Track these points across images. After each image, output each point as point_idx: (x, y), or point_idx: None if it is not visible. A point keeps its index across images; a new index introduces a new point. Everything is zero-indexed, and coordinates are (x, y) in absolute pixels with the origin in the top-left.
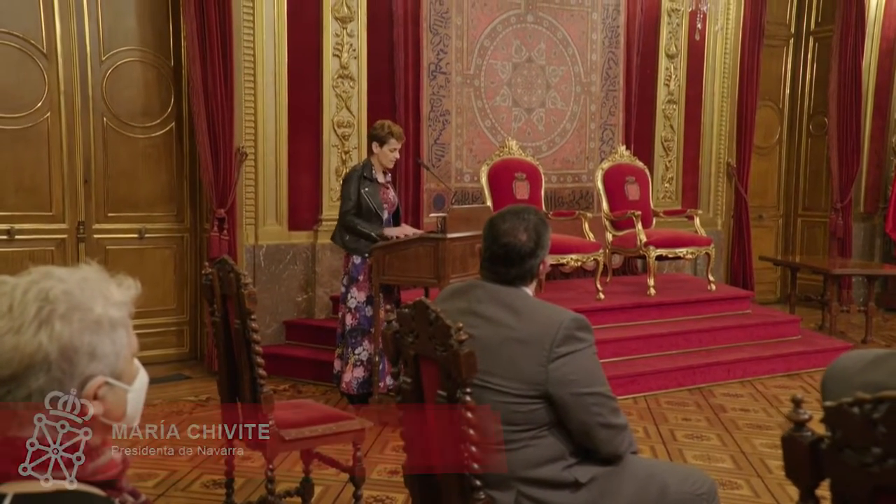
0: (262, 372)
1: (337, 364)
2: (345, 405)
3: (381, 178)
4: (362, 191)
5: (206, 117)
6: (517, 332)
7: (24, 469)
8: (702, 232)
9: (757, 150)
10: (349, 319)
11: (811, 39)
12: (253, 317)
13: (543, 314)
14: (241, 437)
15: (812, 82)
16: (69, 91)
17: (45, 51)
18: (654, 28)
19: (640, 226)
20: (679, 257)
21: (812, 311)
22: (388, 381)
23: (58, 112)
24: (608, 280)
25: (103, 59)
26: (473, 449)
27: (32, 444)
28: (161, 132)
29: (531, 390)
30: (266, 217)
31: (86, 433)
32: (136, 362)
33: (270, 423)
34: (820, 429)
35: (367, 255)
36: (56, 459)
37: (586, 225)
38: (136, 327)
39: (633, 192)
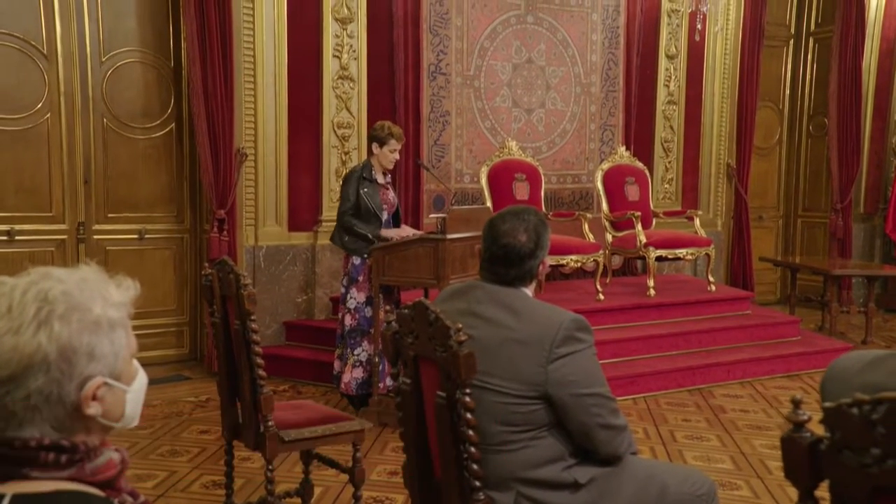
0: (261, 373)
1: (337, 365)
2: (345, 406)
3: (380, 179)
4: (361, 191)
5: (206, 118)
6: (517, 332)
7: (23, 469)
8: (702, 233)
9: (757, 151)
10: (348, 320)
11: (811, 40)
12: (253, 317)
13: (543, 315)
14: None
15: (812, 83)
16: (69, 92)
17: (45, 52)
18: (654, 29)
19: (639, 226)
20: (679, 258)
21: (812, 311)
22: (388, 381)
23: (58, 113)
24: (608, 281)
25: (103, 59)
26: (473, 449)
27: (31, 445)
28: (161, 133)
29: (531, 391)
30: (266, 218)
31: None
32: (135, 363)
33: (270, 423)
34: (820, 430)
35: (366, 255)
36: (55, 460)
37: (586, 226)
38: (135, 328)
39: (632, 192)
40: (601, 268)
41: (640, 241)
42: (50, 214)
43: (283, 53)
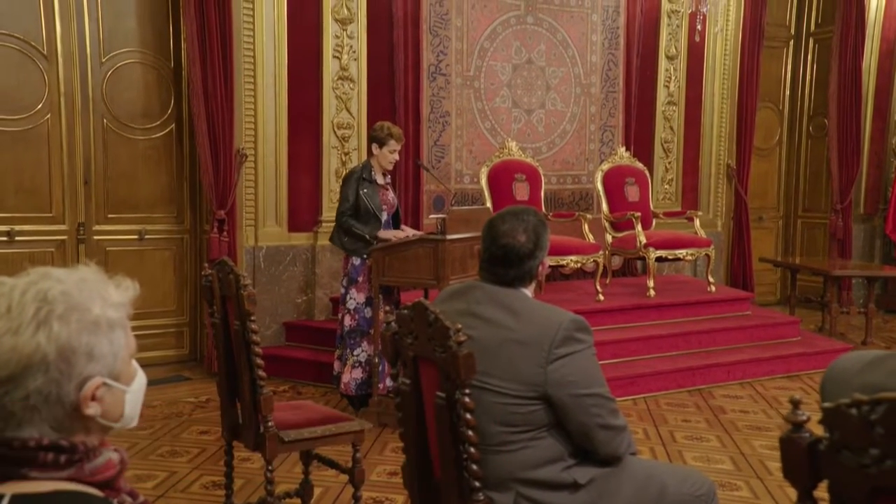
0: (261, 373)
1: (336, 365)
2: (344, 406)
3: (380, 180)
4: (361, 192)
5: (206, 119)
6: (516, 333)
7: (23, 469)
8: (701, 233)
9: (757, 152)
10: (348, 320)
11: (811, 41)
12: (252, 318)
13: (542, 315)
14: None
15: (812, 84)
16: (69, 92)
17: (45, 52)
18: (654, 29)
19: (639, 227)
20: (679, 259)
21: (812, 312)
22: (388, 382)
23: (58, 113)
24: (608, 281)
25: (103, 60)
26: (472, 450)
27: (30, 445)
28: (161, 133)
29: (530, 391)
30: (266, 218)
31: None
32: (134, 363)
33: (270, 424)
34: (819, 430)
35: (366, 256)
36: (54, 460)
37: (586, 226)
38: (135, 329)
39: (632, 193)
40: (601, 268)
41: (640, 242)
42: (50, 215)
43: (283, 54)
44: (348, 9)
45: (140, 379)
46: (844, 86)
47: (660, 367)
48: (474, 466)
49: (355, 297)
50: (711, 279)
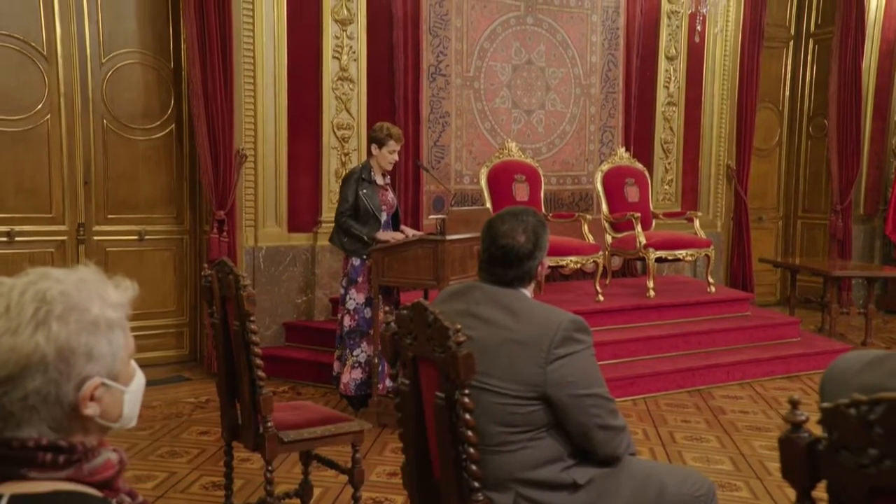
0: (261, 373)
1: (336, 366)
2: (344, 407)
3: (379, 180)
4: (360, 192)
5: (206, 119)
6: (515, 333)
7: (21, 470)
8: (701, 234)
9: (757, 152)
10: (347, 321)
11: (811, 41)
12: (252, 318)
13: (541, 316)
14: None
15: (812, 84)
16: (69, 93)
17: (45, 53)
18: (654, 30)
19: (639, 228)
20: (678, 259)
21: (812, 313)
22: (388, 382)
23: (58, 114)
24: (607, 282)
25: (103, 61)
26: (472, 450)
27: (29, 445)
28: (161, 134)
29: (529, 392)
30: (265, 219)
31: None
32: (133, 364)
33: (269, 424)
34: (818, 430)
35: (365, 256)
36: (53, 460)
37: (586, 227)
38: (135, 329)
39: (632, 194)
40: (601, 269)
41: (640, 243)
42: (50, 215)
43: (282, 55)
44: (348, 9)
45: (139, 379)
46: (844, 86)
47: (659, 368)
48: (474, 467)
49: (355, 298)
50: (711, 280)
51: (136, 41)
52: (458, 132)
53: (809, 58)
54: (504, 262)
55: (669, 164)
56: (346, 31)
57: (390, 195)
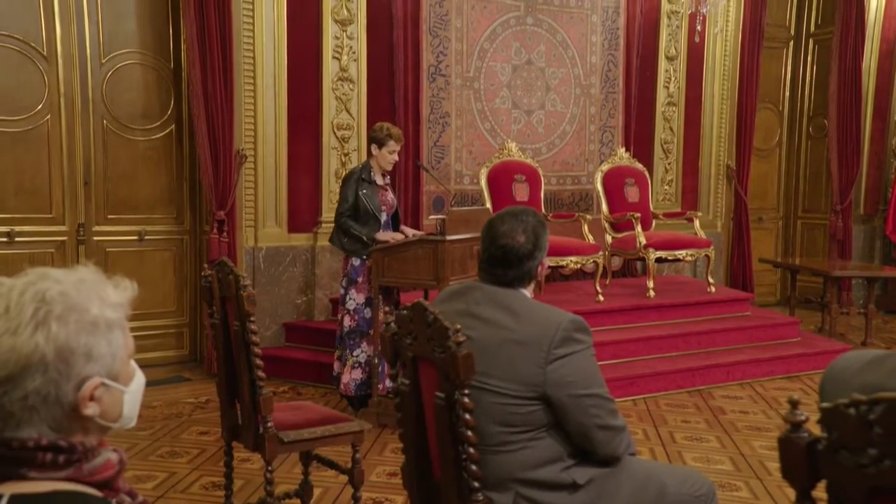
0: (261, 374)
1: (336, 366)
2: (344, 407)
3: (379, 181)
4: (360, 193)
5: (206, 120)
6: (515, 333)
7: (21, 470)
8: (701, 234)
9: (757, 153)
10: (347, 321)
11: (811, 41)
12: (252, 319)
13: (541, 316)
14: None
15: (812, 84)
16: (69, 93)
17: (45, 53)
18: (654, 30)
19: (639, 228)
20: (678, 259)
21: (812, 313)
22: (388, 383)
23: (58, 114)
24: (607, 282)
25: (103, 61)
26: (471, 450)
27: (29, 445)
28: (161, 134)
29: (529, 392)
30: (266, 219)
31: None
32: (133, 364)
33: (269, 424)
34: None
35: (365, 257)
36: (52, 460)
37: (586, 227)
38: (135, 329)
39: (632, 194)
40: (601, 269)
41: (640, 243)
42: (50, 216)
43: (282, 55)
44: (348, 10)
45: (138, 379)
46: (844, 86)
47: (659, 368)
48: (473, 467)
49: (355, 298)
50: (711, 280)
51: (136, 41)
52: (458, 132)
53: (809, 58)
54: (504, 262)
55: (669, 164)
56: (346, 31)
57: (390, 195)
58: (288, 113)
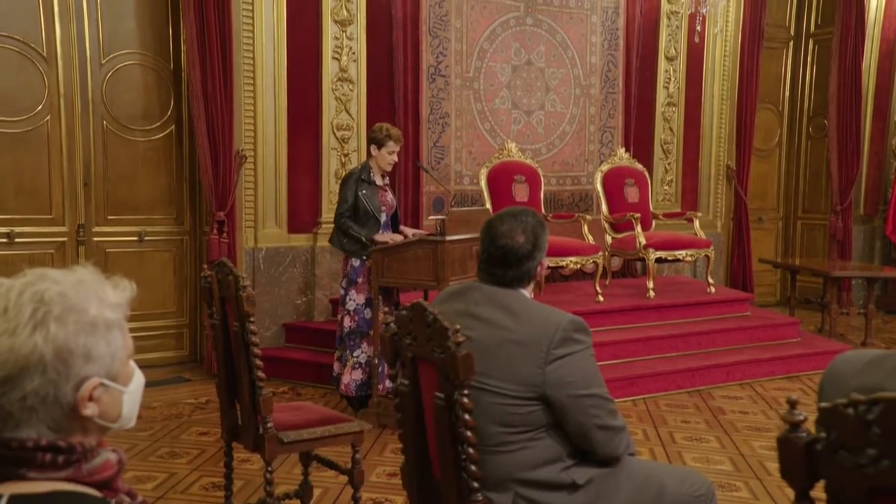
0: (260, 374)
1: (336, 366)
2: (344, 407)
3: (378, 181)
4: (360, 193)
5: (206, 120)
6: (514, 333)
7: (20, 470)
8: (701, 234)
9: (756, 153)
10: (347, 322)
11: (811, 41)
12: (251, 319)
13: (541, 316)
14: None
15: (812, 84)
16: (69, 94)
17: (44, 54)
18: (654, 30)
19: (639, 228)
20: (678, 260)
21: (812, 313)
22: (388, 383)
23: (58, 115)
24: (607, 282)
25: (103, 62)
26: (471, 450)
27: (28, 446)
28: (161, 135)
29: (528, 392)
30: (265, 220)
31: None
32: (132, 364)
33: (269, 425)
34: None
35: (365, 257)
36: (52, 460)
37: (585, 227)
38: (135, 330)
39: (632, 194)
40: (601, 269)
41: (640, 243)
42: (50, 217)
43: (282, 55)
44: (348, 10)
45: (138, 379)
46: (844, 86)
47: (659, 368)
48: (473, 467)
49: (355, 299)
50: (711, 280)
51: (136, 42)
52: (457, 133)
53: (809, 58)
54: (503, 262)
55: (669, 164)
56: (345, 31)
57: (389, 196)
58: (288, 113)
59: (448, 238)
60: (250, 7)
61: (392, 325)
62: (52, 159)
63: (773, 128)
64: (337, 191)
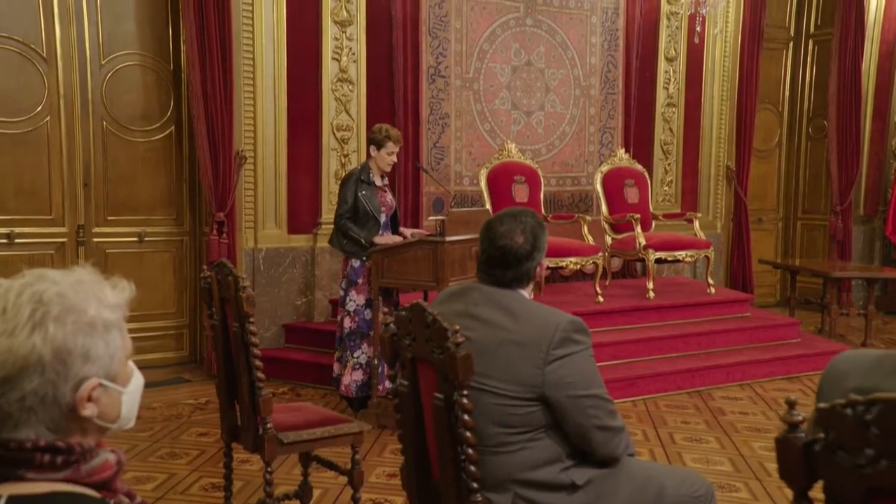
0: (260, 375)
1: (336, 367)
2: (343, 408)
3: (378, 182)
4: (359, 194)
5: (206, 121)
6: (514, 334)
7: (19, 471)
8: (701, 235)
9: (756, 153)
10: (348, 322)
11: (810, 42)
12: (251, 320)
13: (540, 317)
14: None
15: (811, 85)
16: (69, 95)
17: (44, 55)
18: (654, 31)
19: (639, 229)
20: (678, 260)
21: (811, 314)
22: (388, 384)
23: (57, 116)
24: (607, 283)
25: (103, 62)
26: (470, 451)
27: (27, 446)
28: (160, 136)
29: (528, 392)
30: (265, 220)
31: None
32: (131, 364)
33: (269, 426)
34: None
35: (365, 258)
36: (50, 461)
37: (585, 228)
38: (134, 331)
39: (632, 195)
40: (600, 270)
41: (640, 244)
42: (49, 217)
43: (282, 56)
44: (347, 11)
45: (137, 380)
46: (844, 87)
47: (659, 369)
48: (472, 467)
49: (355, 299)
50: (711, 281)
51: (136, 43)
52: (457, 133)
53: (809, 59)
54: (502, 263)
55: (669, 165)
56: (345, 32)
57: (389, 196)
58: (287, 114)
59: (448, 239)
60: (250, 7)
61: (391, 325)
62: (51, 160)
63: (772, 128)
64: (336, 191)
